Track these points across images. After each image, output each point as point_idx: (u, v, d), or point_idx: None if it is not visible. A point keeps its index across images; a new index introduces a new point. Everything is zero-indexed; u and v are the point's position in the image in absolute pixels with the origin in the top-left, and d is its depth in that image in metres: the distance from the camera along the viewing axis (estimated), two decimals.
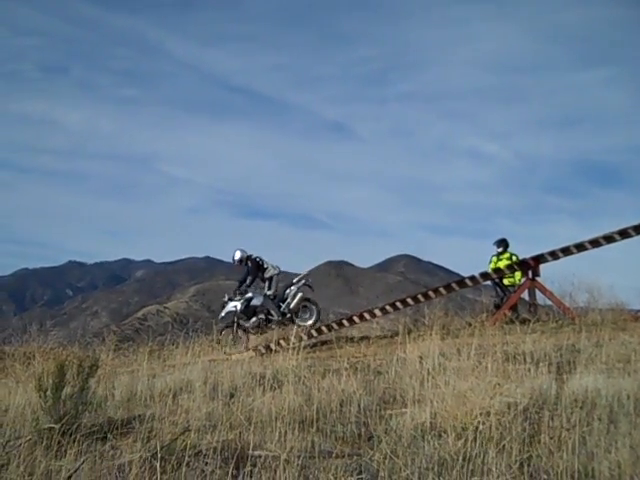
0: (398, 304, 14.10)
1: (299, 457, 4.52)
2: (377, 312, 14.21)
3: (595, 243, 13.20)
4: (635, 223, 12.79)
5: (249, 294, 12.64)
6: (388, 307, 14.28)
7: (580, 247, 13.33)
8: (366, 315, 14.13)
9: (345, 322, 13.65)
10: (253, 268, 12.89)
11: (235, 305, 12.57)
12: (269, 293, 12.91)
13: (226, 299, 12.85)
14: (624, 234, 12.98)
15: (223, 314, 12.80)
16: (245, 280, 12.89)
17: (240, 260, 13.08)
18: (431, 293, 14.07)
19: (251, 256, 13.08)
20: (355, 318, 14.06)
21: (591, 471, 3.90)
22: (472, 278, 13.93)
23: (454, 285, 13.98)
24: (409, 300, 14.12)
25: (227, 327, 12.62)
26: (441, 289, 14.08)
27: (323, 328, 13.64)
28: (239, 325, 12.57)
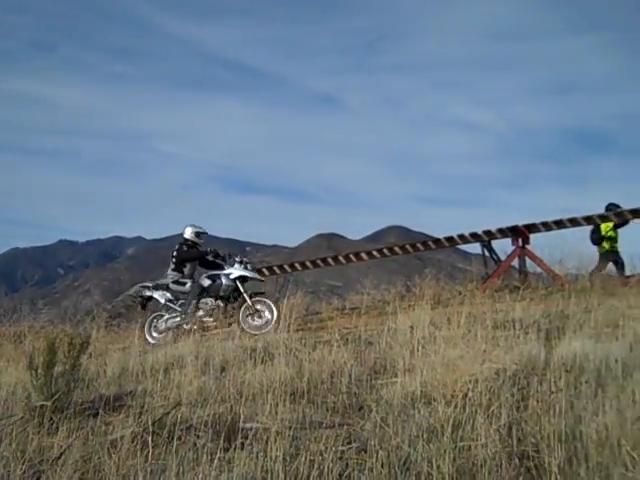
0: (385, 251, 14.33)
1: (290, 428, 4.55)
2: (364, 255, 14.42)
3: (589, 220, 13.35)
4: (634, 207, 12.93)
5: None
6: (375, 252, 14.52)
7: (574, 222, 13.48)
8: (352, 257, 14.36)
9: (319, 262, 14.02)
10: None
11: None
12: None
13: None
14: (619, 215, 13.12)
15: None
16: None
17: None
18: (420, 245, 14.29)
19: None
20: (341, 258, 14.30)
21: (579, 434, 3.94)
22: (461, 237, 14.07)
23: (443, 241, 14.17)
24: (397, 249, 14.36)
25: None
26: (430, 243, 14.34)
27: (297, 265, 13.89)
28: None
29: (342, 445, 4.34)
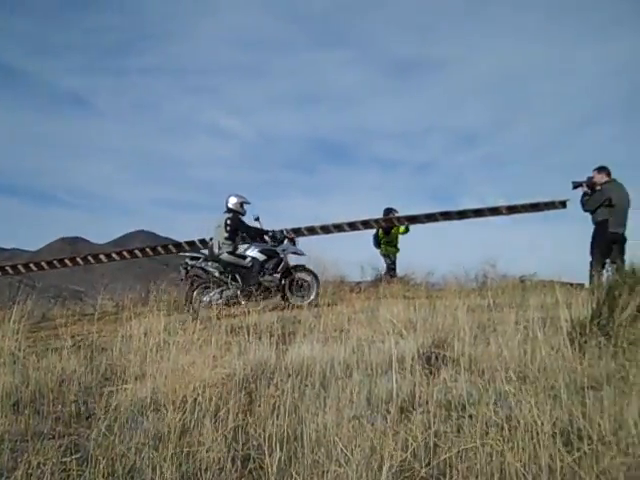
0: (125, 253, 14.19)
1: (10, 441, 4.23)
2: (102, 257, 14.18)
3: (339, 228, 14.34)
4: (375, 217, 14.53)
5: None
6: (114, 254, 14.31)
7: (325, 229, 14.32)
8: (90, 258, 14.02)
9: (56, 263, 13.55)
10: None
11: None
12: None
13: None
14: (366, 224, 14.64)
15: None
16: None
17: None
18: (160, 249, 14.31)
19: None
20: (79, 259, 13.92)
21: (300, 434, 4.09)
22: (202, 241, 14.22)
23: (184, 245, 14.29)
24: (137, 251, 14.24)
25: None
26: (171, 246, 14.40)
27: (32, 265, 13.30)
28: None
29: (65, 456, 4.11)
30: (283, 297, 11.36)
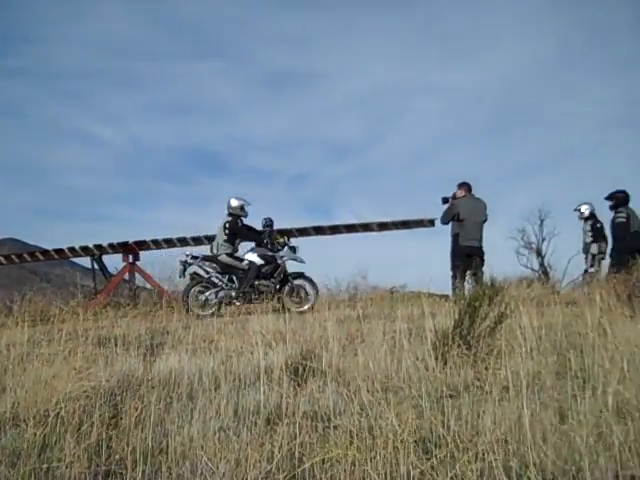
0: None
1: None
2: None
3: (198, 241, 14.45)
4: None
5: None
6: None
7: (183, 241, 14.31)
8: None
9: None
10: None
11: None
12: None
13: None
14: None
15: None
16: None
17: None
18: (26, 256, 14.10)
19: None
20: None
21: (165, 447, 4.08)
22: (72, 249, 13.88)
23: (52, 252, 13.99)
24: (1, 259, 14.01)
25: None
26: (38, 254, 14.13)
27: None
28: None
29: None
30: (280, 302, 11.59)
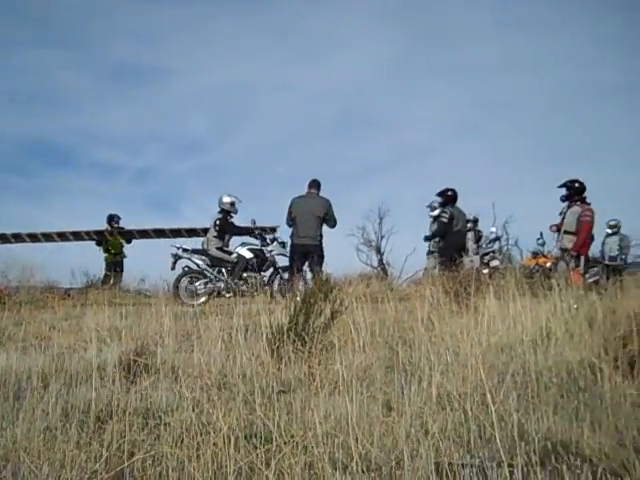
0: None
1: None
2: None
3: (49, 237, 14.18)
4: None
5: None
6: None
7: (18, 237, 13.94)
8: None
9: None
10: None
11: None
12: None
13: None
14: (77, 235, 15.05)
15: None
16: None
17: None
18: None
19: None
20: None
21: None
22: None
23: None
24: None
25: None
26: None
27: None
28: None
29: None
30: (269, 294, 11.46)
